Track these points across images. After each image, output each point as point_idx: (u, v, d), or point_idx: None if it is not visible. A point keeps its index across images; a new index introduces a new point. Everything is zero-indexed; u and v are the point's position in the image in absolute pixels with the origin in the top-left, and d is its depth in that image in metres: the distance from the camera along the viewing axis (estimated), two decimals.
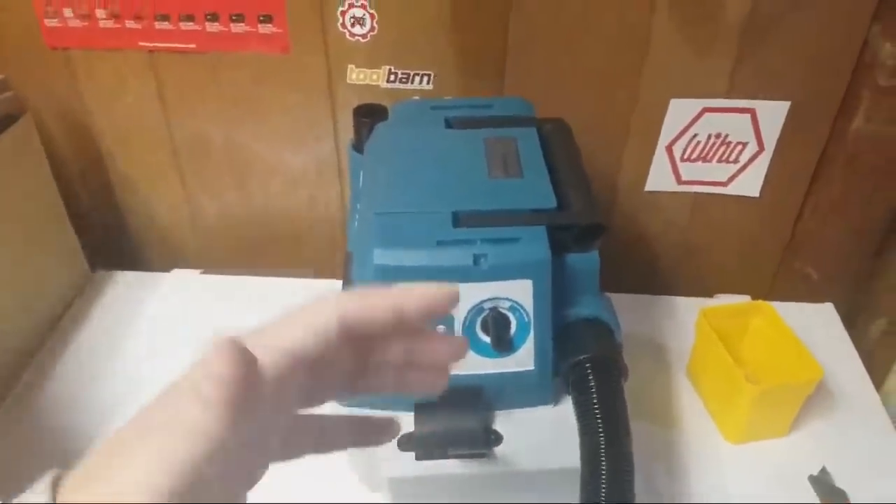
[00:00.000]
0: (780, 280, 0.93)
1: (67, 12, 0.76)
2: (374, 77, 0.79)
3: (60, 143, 0.86)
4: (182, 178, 0.89)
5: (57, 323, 0.84)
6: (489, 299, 0.54)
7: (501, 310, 0.54)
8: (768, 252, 0.91)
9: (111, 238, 0.95)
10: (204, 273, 0.93)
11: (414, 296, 0.33)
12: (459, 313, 0.54)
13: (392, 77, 0.78)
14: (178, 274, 0.93)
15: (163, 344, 0.82)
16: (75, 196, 0.90)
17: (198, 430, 0.28)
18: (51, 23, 0.76)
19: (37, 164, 0.81)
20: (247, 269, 0.91)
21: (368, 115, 0.69)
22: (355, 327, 0.32)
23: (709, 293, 0.91)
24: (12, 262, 0.76)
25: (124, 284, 0.91)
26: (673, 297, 0.90)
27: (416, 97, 0.79)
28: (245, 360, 0.29)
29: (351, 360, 0.34)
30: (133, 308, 0.87)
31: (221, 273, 0.92)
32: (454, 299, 0.34)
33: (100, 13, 0.76)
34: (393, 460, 0.56)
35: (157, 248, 0.96)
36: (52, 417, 0.74)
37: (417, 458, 0.56)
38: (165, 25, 0.76)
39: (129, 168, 0.89)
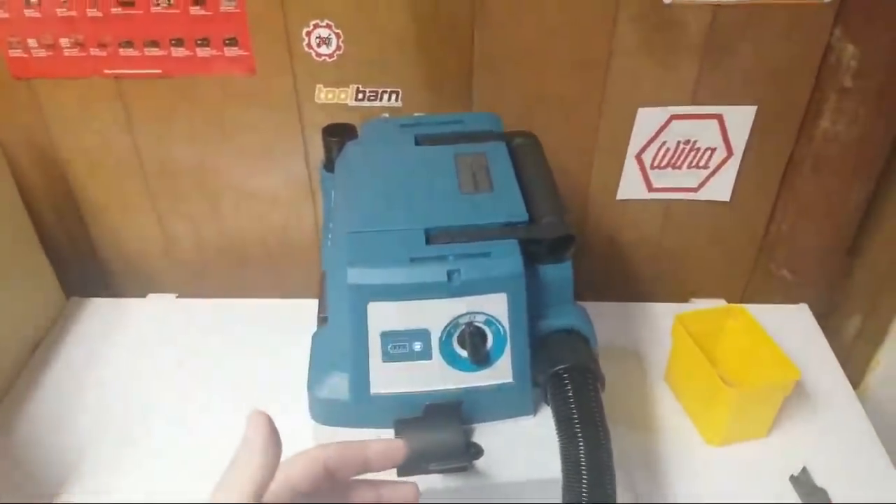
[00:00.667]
0: (754, 282, 0.94)
1: (31, 42, 0.75)
2: (343, 96, 0.79)
3: (29, 173, 0.85)
4: (153, 203, 0.88)
5: (33, 350, 0.83)
6: (465, 314, 0.54)
7: (477, 324, 0.54)
8: (742, 255, 0.92)
9: (85, 265, 0.94)
10: (179, 297, 0.92)
11: (374, 449, 0.43)
12: (435, 329, 0.54)
13: (360, 95, 0.79)
14: (153, 299, 0.92)
15: (140, 369, 0.81)
16: (47, 224, 0.89)
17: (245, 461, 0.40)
18: (14, 53, 0.76)
19: (6, 193, 0.80)
20: (222, 293, 0.91)
21: (337, 135, 0.69)
22: (334, 470, 0.42)
23: (684, 298, 0.92)
24: None
25: (99, 311, 0.90)
26: (649, 303, 0.90)
27: (385, 114, 0.79)
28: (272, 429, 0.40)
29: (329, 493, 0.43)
30: (109, 334, 0.86)
31: (197, 297, 0.92)
32: (402, 453, 0.44)
33: (64, 42, 0.75)
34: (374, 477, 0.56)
35: (131, 273, 0.95)
36: (31, 444, 0.73)
37: (399, 474, 0.55)
38: (130, 52, 0.76)
39: (99, 195, 0.88)
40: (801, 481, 0.69)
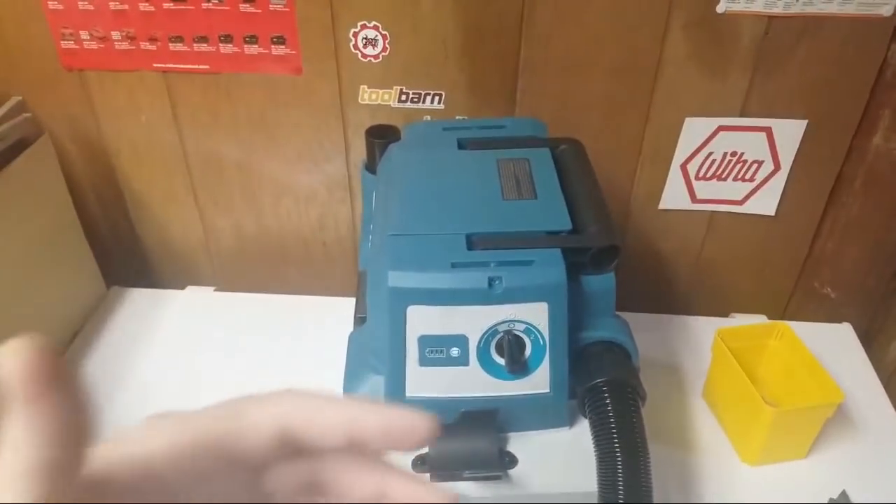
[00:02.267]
0: (796, 299, 0.92)
1: (84, 35, 0.76)
2: (386, 97, 0.79)
3: (76, 163, 0.86)
4: (195, 197, 0.89)
5: (73, 338, 0.85)
6: (504, 322, 0.53)
7: (516, 332, 0.54)
8: (785, 271, 0.90)
9: (126, 255, 0.95)
10: (217, 291, 0.93)
11: (372, 420, 0.26)
12: (473, 336, 0.53)
13: (403, 97, 0.78)
14: (192, 291, 0.93)
15: (176, 361, 0.82)
16: (91, 214, 0.90)
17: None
18: (67, 45, 0.77)
19: (54, 184, 0.81)
20: (260, 288, 0.91)
21: (380, 136, 0.69)
22: (298, 442, 0.26)
23: (725, 312, 0.90)
24: (30, 280, 0.77)
25: (138, 301, 0.91)
26: (688, 316, 0.89)
27: (427, 117, 0.79)
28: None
29: (293, 473, 0.27)
30: (147, 324, 0.87)
31: (235, 291, 0.92)
32: (426, 433, 0.26)
33: (115, 35, 0.76)
34: None
35: (171, 265, 0.96)
36: None
37: (432, 480, 0.55)
38: (180, 47, 0.77)
39: (143, 187, 0.89)
40: None
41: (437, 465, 0.55)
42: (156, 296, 0.91)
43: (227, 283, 0.95)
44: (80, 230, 0.85)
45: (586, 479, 0.51)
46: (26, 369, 0.20)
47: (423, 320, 0.53)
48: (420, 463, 0.56)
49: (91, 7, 0.74)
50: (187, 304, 0.91)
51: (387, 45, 0.76)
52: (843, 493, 0.68)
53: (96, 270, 0.89)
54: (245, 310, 0.89)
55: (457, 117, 0.80)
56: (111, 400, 0.78)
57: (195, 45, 0.76)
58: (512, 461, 0.56)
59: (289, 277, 0.95)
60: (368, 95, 0.79)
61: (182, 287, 0.93)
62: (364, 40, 0.75)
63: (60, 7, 0.75)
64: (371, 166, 0.71)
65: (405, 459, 0.56)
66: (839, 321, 0.88)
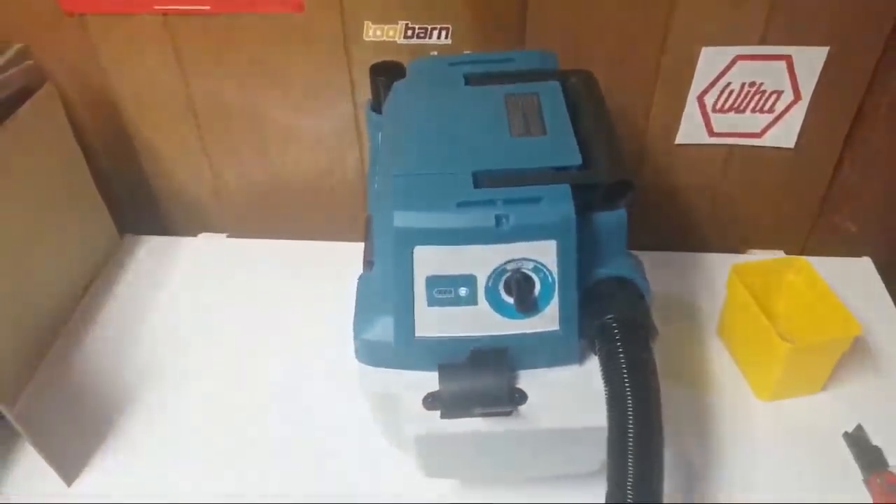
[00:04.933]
0: (816, 234, 0.90)
1: None
2: (391, 33, 0.77)
3: (82, 111, 0.86)
4: (203, 143, 0.88)
5: (88, 286, 0.86)
6: (512, 260, 0.52)
7: (525, 271, 0.53)
8: (804, 205, 0.88)
9: (138, 203, 0.95)
10: (230, 237, 0.94)
11: None
12: (481, 275, 0.53)
13: (409, 32, 0.76)
14: (204, 238, 0.94)
15: (191, 306, 0.83)
16: (100, 163, 0.90)
17: None
18: None
19: (61, 132, 0.81)
20: (272, 233, 0.92)
21: (385, 74, 0.67)
22: None
23: (741, 249, 0.89)
24: (43, 229, 0.77)
25: (152, 248, 0.92)
26: (704, 253, 0.88)
27: (434, 52, 0.77)
28: None
29: None
30: (162, 271, 0.88)
31: (247, 237, 0.93)
32: None
33: None
34: (418, 419, 0.56)
35: (183, 212, 0.97)
36: (87, 379, 0.76)
37: (442, 417, 0.55)
38: None
39: (150, 134, 0.89)
40: (855, 439, 0.67)
41: (448, 403, 0.55)
42: (169, 243, 0.92)
43: (239, 229, 0.95)
44: (90, 179, 0.86)
45: (596, 415, 0.51)
46: None
47: (430, 260, 0.52)
48: (430, 401, 0.56)
49: None
50: (200, 250, 0.91)
51: None
52: (859, 427, 0.68)
53: (108, 219, 0.90)
54: (257, 255, 0.90)
55: (464, 52, 0.77)
56: (127, 344, 0.79)
57: None
58: (522, 398, 0.56)
59: (299, 222, 0.95)
60: (373, 31, 0.77)
61: (195, 234, 0.94)
62: None
63: None
64: (376, 105, 0.69)
65: (416, 397, 0.56)
66: (859, 256, 0.87)
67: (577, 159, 0.54)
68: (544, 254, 0.52)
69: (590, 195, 0.54)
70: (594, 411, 0.52)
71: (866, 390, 0.72)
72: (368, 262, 0.61)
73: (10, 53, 0.74)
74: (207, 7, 0.76)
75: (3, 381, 0.72)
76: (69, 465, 0.67)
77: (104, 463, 0.68)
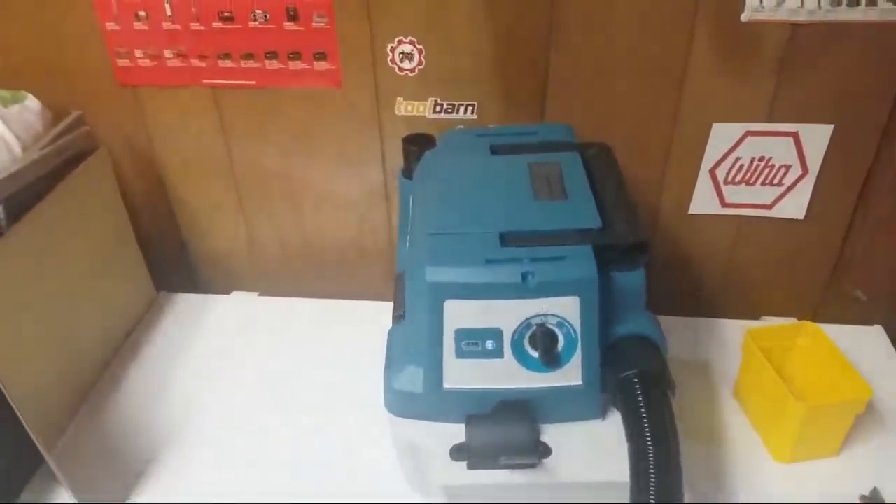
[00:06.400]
0: (827, 302, 0.92)
1: (138, 53, 0.81)
2: (421, 108, 0.82)
3: (130, 173, 0.91)
4: (241, 205, 0.93)
5: (125, 339, 0.89)
6: (537, 315, 0.55)
7: (549, 325, 0.56)
8: (815, 274, 0.91)
9: (174, 262, 0.99)
10: (261, 295, 0.97)
11: None
12: (508, 329, 0.56)
13: (438, 108, 0.82)
14: (236, 296, 0.97)
15: (223, 363, 0.86)
16: (142, 223, 0.95)
17: None
18: (122, 63, 0.82)
19: (110, 194, 0.86)
20: (301, 292, 0.95)
21: (417, 144, 0.72)
22: None
23: (754, 316, 0.91)
24: (87, 284, 0.81)
25: (186, 305, 0.95)
26: (718, 319, 0.90)
27: (461, 126, 0.82)
28: None
29: None
30: (195, 327, 0.91)
31: (277, 296, 0.96)
32: None
33: (167, 53, 0.81)
34: (446, 469, 0.58)
35: (217, 271, 1.00)
36: (120, 431, 0.78)
37: (469, 468, 0.57)
38: (228, 64, 0.81)
39: (191, 197, 0.94)
40: (872, 502, 0.68)
41: (474, 454, 0.57)
42: (202, 300, 0.95)
43: (270, 287, 0.98)
44: (132, 238, 0.90)
45: (619, 469, 0.53)
46: None
47: (459, 314, 0.55)
48: (457, 452, 0.58)
49: (146, 27, 0.79)
50: (232, 308, 0.94)
51: (422, 59, 0.79)
52: (875, 490, 0.69)
53: (147, 276, 0.94)
54: (287, 314, 0.93)
55: (489, 125, 0.82)
56: (159, 400, 0.81)
57: (242, 61, 0.81)
58: (546, 451, 0.58)
59: (328, 281, 0.98)
60: (404, 107, 0.82)
61: (227, 292, 0.97)
62: (401, 55, 0.79)
63: (118, 28, 0.80)
64: (408, 172, 0.74)
65: (442, 448, 0.58)
66: (870, 324, 0.89)
67: (597, 222, 0.58)
68: (568, 310, 0.55)
69: (610, 255, 0.57)
70: (616, 465, 0.53)
71: (882, 454, 0.73)
72: (398, 317, 0.64)
73: (68, 120, 0.79)
74: (253, 82, 0.82)
75: (48, 424, 0.74)
76: None
77: None
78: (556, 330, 0.56)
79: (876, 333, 0.88)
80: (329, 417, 0.78)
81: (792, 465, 0.72)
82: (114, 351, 0.87)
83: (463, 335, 0.56)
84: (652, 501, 0.49)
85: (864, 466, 0.72)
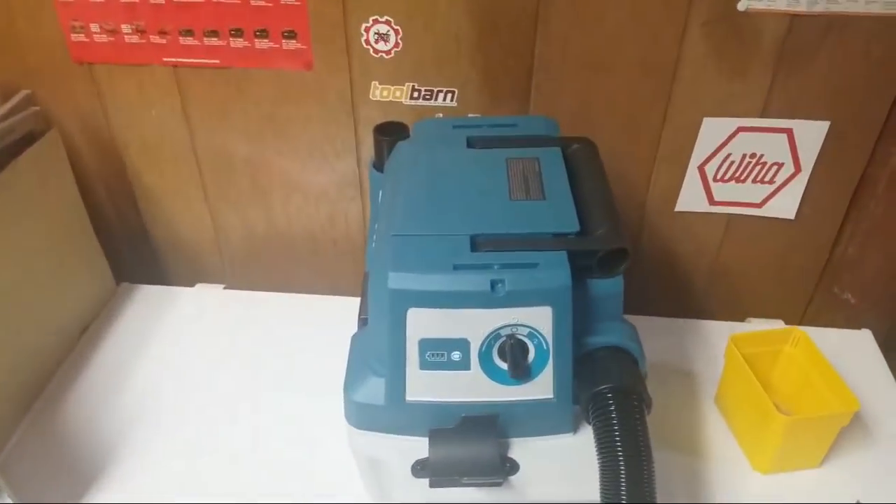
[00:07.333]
0: (815, 305, 0.90)
1: (94, 27, 0.76)
2: (398, 94, 0.78)
3: (86, 158, 0.87)
4: (205, 194, 0.89)
5: (82, 332, 0.85)
6: (506, 325, 0.52)
7: (519, 336, 0.52)
8: (804, 276, 0.88)
9: (136, 252, 0.95)
10: (227, 289, 0.93)
11: None
12: (475, 340, 0.52)
13: (415, 94, 0.77)
14: (201, 289, 0.93)
15: (184, 358, 0.82)
16: (101, 210, 0.90)
17: None
18: (77, 37, 0.77)
19: (63, 179, 0.81)
20: (269, 286, 0.91)
21: (389, 134, 0.68)
22: None
23: (741, 317, 0.89)
24: (39, 274, 0.77)
25: (148, 297, 0.91)
26: (703, 321, 0.87)
27: (440, 114, 0.78)
28: None
29: None
30: (156, 320, 0.87)
31: (244, 289, 0.92)
32: None
33: (125, 28, 0.76)
34: (407, 485, 0.55)
35: (181, 262, 0.96)
36: (76, 426, 0.75)
37: (432, 486, 0.54)
38: (190, 41, 0.76)
39: (153, 183, 0.89)
40: None
41: (437, 471, 0.54)
42: (164, 293, 0.92)
43: (237, 280, 0.95)
44: (89, 226, 0.86)
45: (589, 487, 0.50)
46: None
47: (423, 323, 0.52)
48: (420, 468, 0.55)
49: None
50: (196, 301, 0.91)
51: (399, 41, 0.75)
52: None
53: (106, 267, 0.89)
54: (253, 308, 0.89)
55: (469, 115, 0.78)
56: (118, 393, 0.78)
57: (205, 38, 0.76)
58: (513, 468, 0.55)
59: (298, 276, 0.95)
60: (380, 92, 0.78)
61: (191, 284, 0.94)
62: (376, 35, 0.74)
63: None
64: (379, 164, 0.70)
65: (404, 463, 0.55)
66: (859, 328, 0.86)
67: (574, 226, 0.54)
68: (539, 320, 0.52)
69: (586, 262, 0.53)
70: (587, 485, 0.51)
71: (865, 466, 0.71)
72: (363, 320, 0.61)
73: (16, 99, 0.75)
74: (217, 61, 0.77)
75: None
76: None
77: None
78: (527, 341, 0.53)
79: (863, 338, 0.85)
80: (293, 415, 0.75)
81: (772, 476, 0.70)
82: (70, 345, 0.83)
83: (427, 345, 0.52)
84: None
85: (847, 478, 0.69)
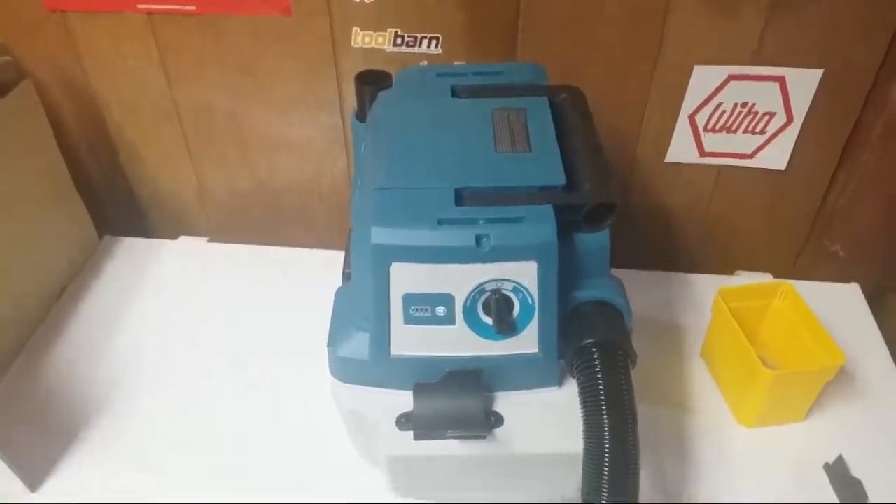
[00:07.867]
0: (805, 257, 0.89)
1: None
2: (380, 40, 0.75)
3: (64, 109, 0.84)
4: (187, 146, 0.87)
5: (65, 286, 0.84)
6: (491, 280, 0.51)
7: (504, 291, 0.52)
8: (794, 228, 0.87)
9: (119, 204, 0.93)
10: (211, 241, 0.92)
11: None
12: (460, 295, 0.51)
13: (398, 40, 0.75)
14: (184, 241, 0.92)
15: (168, 310, 0.82)
16: (82, 163, 0.88)
17: None
18: None
19: (39, 131, 0.79)
20: (253, 239, 0.90)
21: (371, 83, 0.66)
22: None
23: (730, 269, 0.88)
24: (19, 228, 0.76)
25: (131, 250, 0.90)
26: (692, 274, 0.87)
27: (424, 62, 0.76)
28: None
29: None
30: (140, 273, 0.87)
31: (228, 242, 0.91)
32: None
33: None
34: (391, 439, 0.55)
35: (165, 214, 0.95)
36: (59, 381, 0.74)
37: (416, 438, 0.54)
38: None
39: (134, 135, 0.87)
40: (836, 470, 0.66)
41: (421, 424, 0.54)
42: (148, 245, 0.91)
43: (221, 233, 0.93)
44: (68, 178, 0.84)
45: (573, 440, 0.50)
46: None
47: (407, 278, 0.51)
48: (404, 421, 0.55)
49: None
50: (180, 254, 0.90)
51: None
52: (840, 458, 0.67)
53: (88, 219, 0.88)
54: (237, 261, 0.88)
55: (455, 63, 0.76)
56: (101, 346, 0.78)
57: None
58: (497, 421, 0.55)
59: (284, 229, 0.93)
60: (361, 38, 0.76)
61: (175, 236, 0.92)
62: None
63: None
64: (361, 115, 0.68)
65: (389, 417, 0.55)
66: (848, 281, 0.86)
67: (560, 179, 0.53)
68: (524, 275, 0.51)
69: (572, 216, 0.53)
70: (571, 437, 0.51)
71: (849, 421, 0.71)
72: (347, 275, 0.60)
73: None
74: (192, 7, 0.74)
75: None
76: (34, 470, 0.65)
77: (70, 468, 0.67)
78: (512, 296, 0.52)
79: (852, 291, 0.85)
80: (277, 369, 0.75)
81: (757, 430, 0.70)
82: (51, 299, 0.82)
83: (412, 300, 0.52)
84: (605, 477, 0.47)
85: (831, 433, 0.70)
